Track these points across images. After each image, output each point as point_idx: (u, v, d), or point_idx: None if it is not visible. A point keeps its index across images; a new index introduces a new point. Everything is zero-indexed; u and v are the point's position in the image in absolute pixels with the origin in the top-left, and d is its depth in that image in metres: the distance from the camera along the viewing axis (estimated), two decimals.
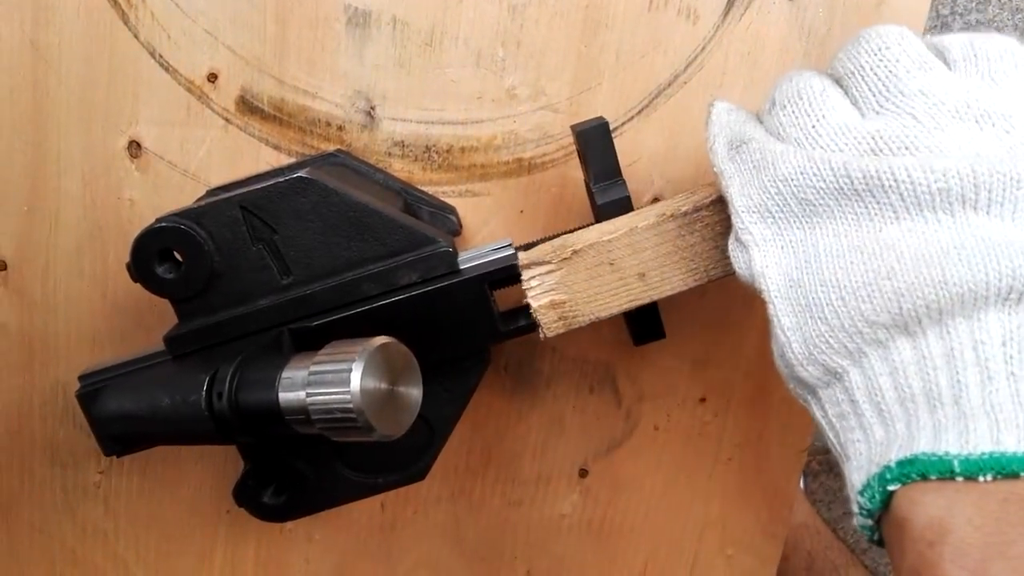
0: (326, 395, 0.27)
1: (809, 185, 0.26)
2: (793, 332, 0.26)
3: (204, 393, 0.29)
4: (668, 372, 0.43)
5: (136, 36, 0.37)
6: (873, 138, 0.26)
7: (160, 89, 0.37)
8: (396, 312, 0.32)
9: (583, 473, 0.44)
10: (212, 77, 0.37)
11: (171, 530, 0.44)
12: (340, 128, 0.38)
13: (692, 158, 0.39)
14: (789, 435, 0.44)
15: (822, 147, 0.26)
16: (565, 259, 0.32)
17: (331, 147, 0.38)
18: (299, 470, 0.35)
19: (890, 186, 0.24)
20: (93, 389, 0.33)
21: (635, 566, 0.46)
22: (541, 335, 0.33)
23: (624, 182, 0.35)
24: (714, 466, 0.44)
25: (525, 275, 0.32)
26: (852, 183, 0.25)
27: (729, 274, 0.31)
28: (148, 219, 0.39)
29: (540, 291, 0.32)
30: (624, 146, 0.38)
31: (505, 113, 0.38)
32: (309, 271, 0.33)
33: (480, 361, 0.35)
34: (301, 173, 0.31)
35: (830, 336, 0.25)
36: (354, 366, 0.27)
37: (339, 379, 0.27)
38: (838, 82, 0.28)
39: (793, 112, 0.27)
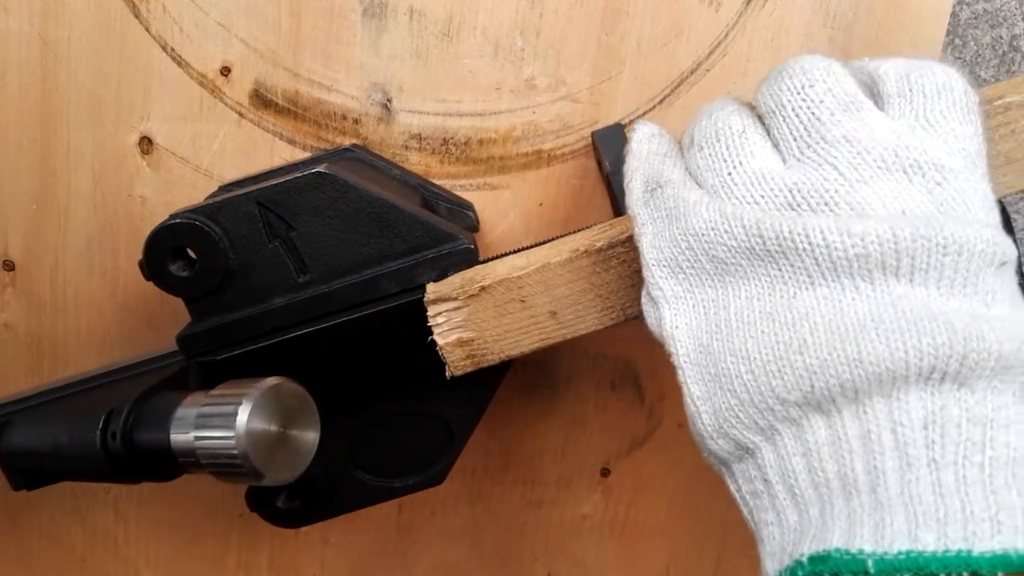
0: (212, 438, 0.26)
1: (720, 242, 0.24)
2: (703, 402, 0.24)
3: (99, 431, 0.28)
4: None
5: (147, 29, 0.36)
6: (791, 191, 0.23)
7: (172, 83, 0.36)
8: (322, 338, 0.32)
9: (605, 473, 0.43)
10: (225, 70, 0.36)
11: (183, 535, 0.43)
12: (356, 121, 0.37)
13: None
14: None
15: (737, 198, 0.24)
16: (472, 295, 0.30)
17: (347, 141, 0.37)
18: (313, 474, 0.34)
19: (804, 249, 0.22)
20: (0, 421, 0.32)
21: (657, 568, 0.45)
22: (448, 373, 0.31)
23: None
24: None
25: (431, 311, 0.30)
26: (764, 243, 0.23)
27: None
28: (160, 216, 0.38)
29: (447, 328, 0.31)
30: None
31: (524, 104, 0.37)
32: (326, 269, 0.32)
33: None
34: (319, 168, 0.30)
35: (740, 411, 0.23)
36: (241, 408, 0.26)
37: (225, 422, 0.26)
38: (761, 119, 0.26)
39: (710, 155, 0.25)
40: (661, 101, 0.37)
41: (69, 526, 0.43)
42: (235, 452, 0.25)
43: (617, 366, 0.41)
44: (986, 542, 0.18)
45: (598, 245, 0.30)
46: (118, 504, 0.42)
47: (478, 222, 0.38)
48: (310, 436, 0.29)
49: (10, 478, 0.32)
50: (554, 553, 0.45)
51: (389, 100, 0.37)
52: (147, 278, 0.31)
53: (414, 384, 0.33)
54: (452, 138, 0.38)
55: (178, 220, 0.30)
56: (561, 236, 0.35)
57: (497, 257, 0.35)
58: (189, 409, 0.27)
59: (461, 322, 0.31)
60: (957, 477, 0.20)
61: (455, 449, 0.34)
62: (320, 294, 0.32)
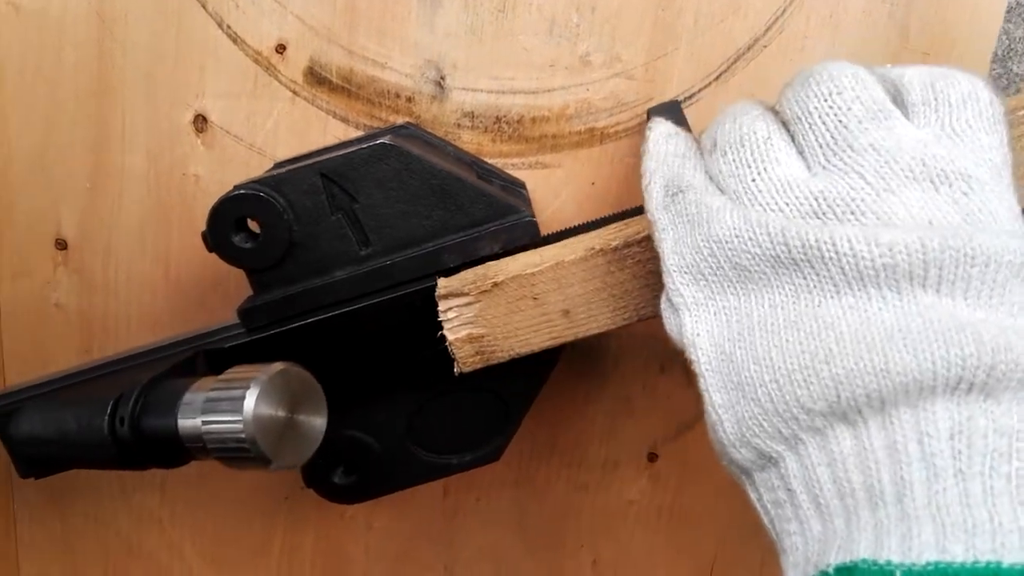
0: (220, 423, 0.26)
1: (744, 250, 0.24)
2: (724, 411, 0.24)
3: (107, 417, 0.28)
4: None
5: (204, 6, 0.36)
6: (817, 199, 0.23)
7: (227, 61, 0.36)
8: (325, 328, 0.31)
9: (652, 457, 0.43)
10: (280, 48, 0.36)
11: (228, 518, 0.43)
12: (409, 99, 0.37)
13: None
14: None
15: (761, 205, 0.24)
16: (485, 291, 0.30)
17: (400, 119, 0.37)
18: (370, 449, 0.34)
19: (831, 258, 0.22)
20: (8, 410, 0.32)
21: (705, 555, 0.45)
22: (456, 370, 0.31)
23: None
24: None
25: (442, 306, 0.30)
26: (790, 251, 0.23)
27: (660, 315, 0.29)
28: (213, 195, 0.38)
29: (457, 323, 0.30)
30: (700, 114, 0.37)
31: (578, 81, 0.37)
32: (388, 241, 0.32)
33: None
34: (384, 140, 0.30)
35: (764, 420, 0.23)
36: (248, 393, 0.25)
37: (232, 406, 0.25)
38: (786, 125, 0.25)
39: (734, 161, 0.25)
40: (717, 78, 0.37)
41: (115, 508, 0.43)
42: (243, 437, 0.25)
43: (667, 348, 0.41)
44: (1015, 554, 0.18)
45: (613, 244, 0.30)
46: (164, 485, 0.42)
47: (530, 201, 0.38)
48: (317, 422, 0.29)
49: (18, 465, 0.32)
50: (600, 538, 0.44)
51: (443, 78, 0.37)
52: (210, 249, 0.31)
53: None
54: (505, 116, 0.38)
55: (243, 191, 0.30)
56: (615, 214, 0.35)
57: (552, 236, 0.35)
58: (197, 394, 0.27)
59: (472, 318, 0.30)
60: (984, 488, 0.19)
61: (512, 426, 0.34)
62: (382, 267, 0.31)
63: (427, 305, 0.32)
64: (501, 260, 0.31)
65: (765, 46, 0.37)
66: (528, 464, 0.43)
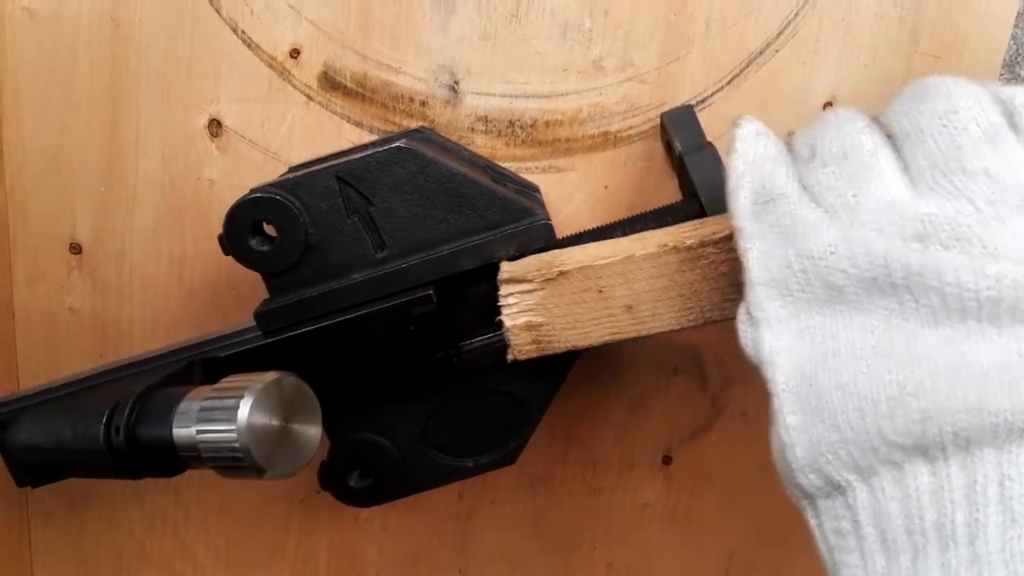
0: (214, 432, 0.26)
1: (839, 268, 0.23)
2: (798, 434, 0.23)
3: (103, 426, 0.28)
4: None
5: (218, 11, 0.36)
6: (922, 222, 0.22)
7: (241, 66, 0.37)
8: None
9: (667, 460, 0.43)
10: (294, 53, 0.36)
11: (242, 520, 0.43)
12: (423, 104, 0.37)
13: (783, 127, 0.37)
14: None
15: (861, 222, 0.23)
16: (549, 279, 0.29)
17: (414, 123, 0.37)
18: (387, 451, 0.34)
19: (933, 286, 0.21)
20: (5, 419, 0.32)
21: (719, 559, 0.45)
22: (510, 357, 0.31)
23: (715, 147, 0.34)
24: None
25: (503, 291, 0.30)
26: (890, 275, 0.22)
27: (728, 318, 0.28)
28: (227, 200, 0.38)
29: (517, 310, 0.30)
30: (712, 118, 0.37)
31: (591, 85, 0.37)
32: (404, 245, 0.32)
33: None
34: (400, 143, 0.30)
35: (840, 448, 0.22)
36: (242, 402, 0.25)
37: (227, 415, 0.25)
38: (891, 138, 0.24)
39: (835, 174, 0.24)
40: (729, 82, 0.37)
41: (128, 510, 0.43)
42: (236, 446, 0.25)
43: (683, 350, 0.41)
44: None
45: (688, 243, 0.29)
46: (179, 489, 0.42)
47: (544, 205, 0.38)
48: (311, 431, 0.29)
49: (14, 474, 0.32)
50: (614, 541, 0.44)
51: (456, 82, 0.37)
52: (226, 252, 0.31)
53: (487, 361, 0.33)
54: (518, 120, 0.38)
55: (259, 194, 0.30)
56: (628, 219, 0.35)
57: (566, 239, 0.35)
58: (192, 403, 0.27)
59: (532, 305, 0.30)
60: None
61: (528, 428, 0.34)
62: (397, 270, 0.31)
63: (444, 307, 0.32)
64: (568, 249, 0.31)
65: (777, 50, 0.37)
66: (543, 466, 0.43)
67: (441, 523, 0.43)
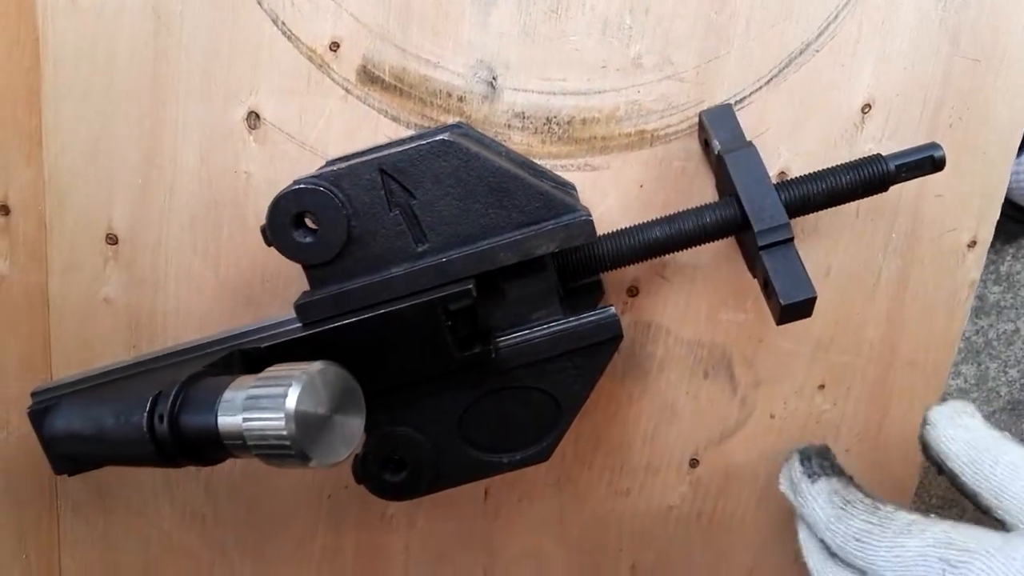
0: (261, 420, 0.26)
1: None
2: None
3: (147, 414, 0.28)
4: (787, 356, 0.41)
5: (259, 3, 0.36)
6: None
7: (281, 58, 0.37)
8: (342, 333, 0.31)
9: (694, 463, 0.43)
10: (334, 46, 0.37)
11: (271, 515, 0.43)
12: (461, 99, 0.37)
13: (820, 129, 0.38)
14: (910, 427, 0.42)
15: None
16: None
17: (451, 119, 0.37)
18: (422, 446, 0.34)
19: None
20: (44, 406, 0.32)
21: (744, 562, 0.45)
22: None
23: (754, 146, 0.34)
24: None
25: None
26: None
27: None
28: (264, 193, 0.38)
29: None
30: (750, 118, 0.37)
31: (629, 83, 0.37)
32: (444, 238, 0.32)
33: (613, 336, 0.33)
34: (443, 136, 0.30)
35: None
36: (290, 390, 0.25)
37: (274, 404, 0.25)
38: None
39: None
40: (768, 82, 0.37)
41: (158, 503, 0.43)
42: (284, 434, 0.25)
43: (712, 353, 0.41)
44: None
45: None
46: (209, 482, 0.42)
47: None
48: (355, 422, 0.29)
49: (53, 462, 0.32)
50: (639, 543, 0.44)
51: (495, 78, 0.37)
52: (269, 244, 0.31)
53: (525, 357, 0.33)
54: (555, 117, 0.38)
55: (303, 185, 0.30)
56: (666, 217, 0.35)
57: (604, 237, 0.35)
58: (237, 392, 0.27)
59: None
60: None
61: (563, 425, 0.34)
62: (437, 264, 0.31)
63: (483, 302, 0.32)
64: None
65: (817, 51, 0.37)
66: (570, 467, 0.43)
67: (467, 521, 0.43)
